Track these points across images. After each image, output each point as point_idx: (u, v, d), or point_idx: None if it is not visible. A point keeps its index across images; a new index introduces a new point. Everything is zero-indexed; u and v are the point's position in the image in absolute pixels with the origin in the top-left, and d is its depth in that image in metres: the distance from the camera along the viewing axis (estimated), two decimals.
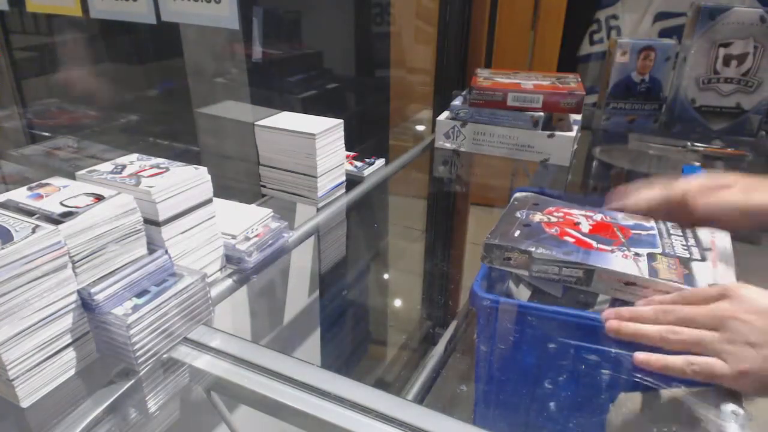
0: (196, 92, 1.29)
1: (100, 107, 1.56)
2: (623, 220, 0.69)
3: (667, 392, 0.48)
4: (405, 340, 1.64)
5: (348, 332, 1.41)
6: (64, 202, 0.56)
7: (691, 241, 0.64)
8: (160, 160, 0.67)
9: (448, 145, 1.21)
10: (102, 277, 0.56)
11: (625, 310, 0.53)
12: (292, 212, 0.99)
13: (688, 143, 1.15)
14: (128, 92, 1.56)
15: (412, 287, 1.65)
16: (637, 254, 0.61)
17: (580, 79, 1.17)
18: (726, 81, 1.13)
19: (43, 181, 0.60)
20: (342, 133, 0.97)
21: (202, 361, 0.57)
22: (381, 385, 1.44)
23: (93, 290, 0.53)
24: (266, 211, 0.78)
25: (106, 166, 0.65)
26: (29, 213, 0.53)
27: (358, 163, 1.08)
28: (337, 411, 0.50)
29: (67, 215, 0.53)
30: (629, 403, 0.52)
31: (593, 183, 1.18)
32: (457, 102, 1.21)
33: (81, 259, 0.54)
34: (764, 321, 0.45)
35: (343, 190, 1.01)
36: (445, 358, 1.17)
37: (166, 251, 0.61)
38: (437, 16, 1.50)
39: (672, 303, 0.52)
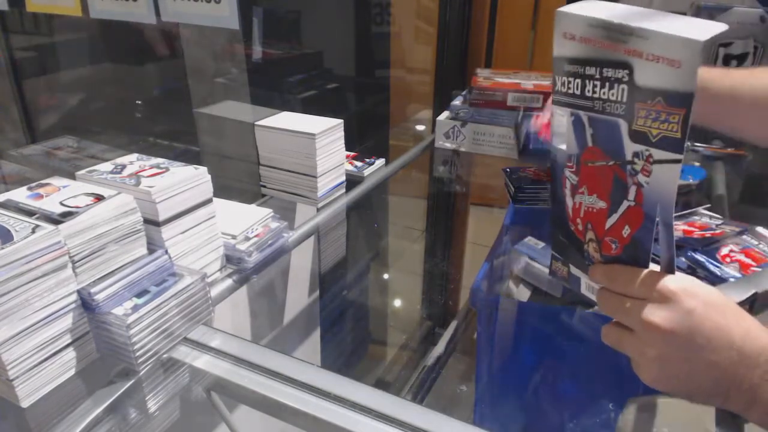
0: (196, 92, 1.29)
1: (100, 107, 1.56)
2: None
3: (669, 398, 0.47)
4: (405, 340, 1.64)
5: (348, 332, 1.41)
6: (64, 202, 0.56)
7: None
8: (160, 160, 0.67)
9: (448, 145, 1.21)
10: (102, 277, 0.56)
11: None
12: (292, 212, 0.99)
13: (688, 143, 1.14)
14: (128, 92, 1.56)
15: (412, 287, 1.65)
16: None
17: None
18: None
19: (43, 181, 0.60)
20: (342, 133, 0.97)
21: (202, 361, 0.57)
22: (381, 385, 1.44)
23: (93, 290, 0.53)
24: (266, 211, 0.78)
25: (106, 166, 0.65)
26: (29, 213, 0.53)
27: (358, 163, 1.08)
28: (337, 411, 0.50)
29: (67, 215, 0.53)
30: (637, 408, 0.52)
31: None
32: (457, 102, 1.21)
33: (81, 259, 0.54)
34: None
35: (343, 190, 1.01)
36: (445, 358, 1.17)
37: (166, 251, 0.61)
38: (437, 16, 1.50)
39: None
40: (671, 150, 0.40)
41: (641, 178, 0.43)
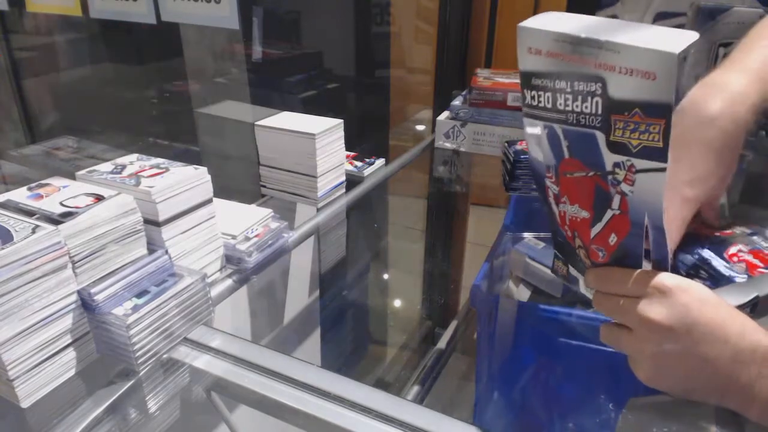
0: (196, 92, 1.29)
1: (101, 107, 1.56)
2: None
3: (669, 398, 0.47)
4: (405, 340, 1.64)
5: (348, 332, 1.41)
6: (64, 203, 0.56)
7: None
8: (160, 160, 0.67)
9: (448, 145, 1.21)
10: (102, 277, 0.56)
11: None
12: (292, 212, 0.99)
13: None
14: (128, 92, 1.56)
15: (412, 287, 1.65)
16: None
17: None
18: None
19: (43, 181, 0.60)
20: (342, 133, 0.97)
21: (202, 361, 0.57)
22: (381, 385, 1.44)
23: (93, 290, 0.53)
24: (266, 211, 0.78)
25: (106, 166, 0.65)
26: (29, 213, 0.53)
27: (358, 163, 1.08)
28: (337, 411, 0.50)
29: (67, 215, 0.53)
30: (638, 408, 0.52)
31: None
32: (457, 102, 1.21)
33: (81, 259, 0.54)
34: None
35: (343, 190, 1.01)
36: (445, 358, 1.17)
37: (166, 251, 0.61)
38: (437, 16, 1.50)
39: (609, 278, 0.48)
40: (654, 159, 0.39)
41: (624, 187, 0.42)
